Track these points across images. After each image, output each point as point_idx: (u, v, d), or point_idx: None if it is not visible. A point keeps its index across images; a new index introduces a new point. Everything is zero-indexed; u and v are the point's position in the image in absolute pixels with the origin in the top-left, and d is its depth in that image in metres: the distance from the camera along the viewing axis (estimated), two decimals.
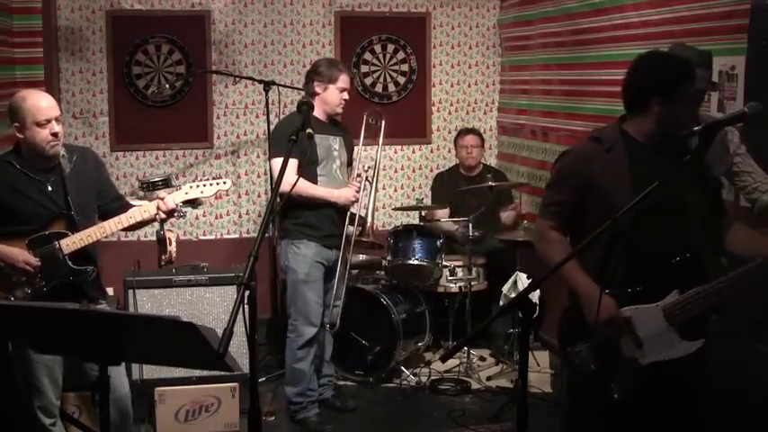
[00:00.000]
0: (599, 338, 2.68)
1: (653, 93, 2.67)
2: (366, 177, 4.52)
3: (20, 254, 3.30)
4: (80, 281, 3.41)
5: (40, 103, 3.27)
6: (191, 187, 3.59)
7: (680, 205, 2.68)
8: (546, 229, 2.87)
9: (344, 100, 4.34)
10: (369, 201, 4.60)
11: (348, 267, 4.51)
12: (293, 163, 4.02)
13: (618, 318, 2.66)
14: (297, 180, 3.73)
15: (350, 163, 4.55)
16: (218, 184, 3.61)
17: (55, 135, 3.27)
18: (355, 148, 4.64)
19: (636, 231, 2.61)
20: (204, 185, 3.59)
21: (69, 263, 3.36)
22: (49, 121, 3.25)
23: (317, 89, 4.31)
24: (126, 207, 3.51)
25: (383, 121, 4.84)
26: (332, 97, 4.29)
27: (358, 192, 4.37)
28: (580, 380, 2.76)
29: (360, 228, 4.49)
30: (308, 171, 4.14)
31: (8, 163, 3.34)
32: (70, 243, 3.34)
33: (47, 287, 3.34)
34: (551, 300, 5.22)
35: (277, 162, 4.23)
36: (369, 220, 4.56)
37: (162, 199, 3.45)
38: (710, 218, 2.77)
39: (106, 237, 3.43)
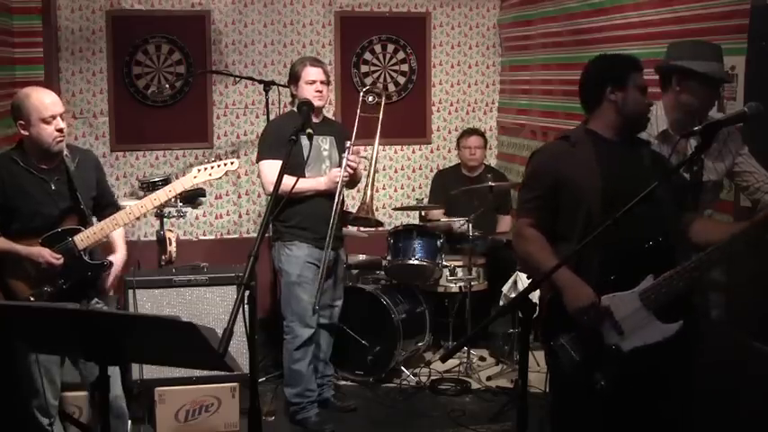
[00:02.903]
0: (580, 328, 2.72)
1: (606, 83, 2.84)
2: (347, 157, 4.25)
3: (40, 253, 3.29)
4: (97, 275, 3.42)
5: (44, 99, 3.29)
6: (198, 170, 3.60)
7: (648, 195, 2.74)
8: (523, 226, 2.93)
9: (318, 91, 4.26)
10: (368, 177, 4.50)
11: (324, 261, 4.27)
12: (277, 165, 3.86)
13: (597, 305, 2.71)
14: (296, 181, 3.60)
15: None
16: (225, 165, 3.62)
17: (60, 131, 3.29)
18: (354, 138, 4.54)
19: (608, 221, 2.65)
20: (213, 167, 3.60)
21: (86, 258, 3.37)
22: (54, 117, 3.27)
23: (293, 91, 4.34)
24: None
25: (383, 99, 4.71)
26: (303, 93, 4.24)
27: (344, 167, 4.23)
28: (565, 371, 2.79)
29: (351, 214, 4.42)
30: (295, 173, 3.95)
31: (12, 160, 3.33)
32: (84, 238, 3.35)
33: (66, 284, 3.35)
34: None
35: (264, 164, 4.22)
36: (368, 195, 4.48)
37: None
38: (678, 207, 2.88)
39: (117, 228, 3.46)
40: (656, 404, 2.80)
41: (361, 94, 4.75)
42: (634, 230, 2.71)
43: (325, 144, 4.36)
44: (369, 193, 4.49)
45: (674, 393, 2.83)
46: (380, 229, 5.31)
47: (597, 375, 2.69)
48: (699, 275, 2.69)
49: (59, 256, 3.30)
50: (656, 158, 2.92)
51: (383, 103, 4.68)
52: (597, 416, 2.80)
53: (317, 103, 4.25)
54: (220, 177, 3.68)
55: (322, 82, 4.30)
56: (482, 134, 5.83)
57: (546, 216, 2.89)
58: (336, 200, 4.28)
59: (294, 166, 4.05)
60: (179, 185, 3.55)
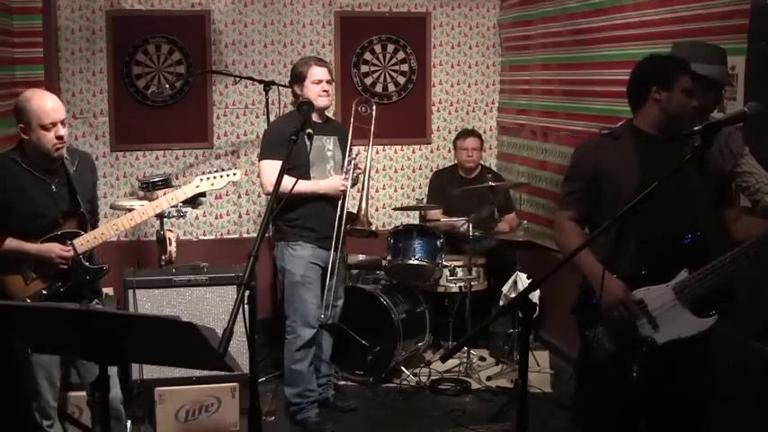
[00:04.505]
0: (610, 321, 2.76)
1: (652, 83, 2.86)
2: (356, 163, 4.41)
3: (50, 248, 3.26)
4: (95, 279, 3.41)
5: (45, 105, 3.22)
6: (201, 180, 3.60)
7: (686, 188, 2.77)
8: (563, 219, 2.99)
9: (325, 91, 4.27)
10: (362, 188, 4.52)
11: (337, 263, 4.35)
12: (278, 165, 3.82)
13: (627, 301, 2.73)
14: (295, 183, 3.53)
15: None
16: (228, 175, 3.64)
17: (60, 138, 3.22)
18: (351, 145, 4.55)
19: (644, 213, 2.67)
20: (215, 177, 3.61)
21: (85, 262, 3.35)
22: (54, 124, 3.20)
23: (297, 90, 4.32)
24: (94, 225, 3.48)
25: (374, 110, 4.76)
26: (309, 92, 4.23)
27: (346, 179, 4.30)
28: (599, 361, 2.83)
29: (354, 215, 4.43)
30: (299, 173, 3.99)
31: (13, 161, 3.28)
32: (84, 242, 3.32)
33: (63, 287, 3.33)
34: (551, 300, 5.22)
35: (265, 164, 4.21)
36: (363, 206, 4.48)
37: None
38: (717, 204, 2.89)
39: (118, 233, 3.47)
40: (684, 396, 2.84)
41: (354, 104, 4.80)
42: (669, 224, 2.76)
43: (329, 144, 4.36)
44: (363, 204, 4.49)
45: (701, 386, 2.87)
46: (381, 229, 5.31)
47: (631, 367, 2.72)
48: (734, 271, 2.70)
49: (69, 248, 3.28)
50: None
51: (374, 115, 4.73)
52: (628, 406, 2.83)
53: (324, 102, 4.27)
54: (223, 187, 3.70)
55: (328, 81, 4.32)
56: (479, 135, 5.81)
57: (585, 208, 2.95)
58: (341, 203, 4.31)
59: (298, 166, 4.07)
60: (181, 194, 3.54)
